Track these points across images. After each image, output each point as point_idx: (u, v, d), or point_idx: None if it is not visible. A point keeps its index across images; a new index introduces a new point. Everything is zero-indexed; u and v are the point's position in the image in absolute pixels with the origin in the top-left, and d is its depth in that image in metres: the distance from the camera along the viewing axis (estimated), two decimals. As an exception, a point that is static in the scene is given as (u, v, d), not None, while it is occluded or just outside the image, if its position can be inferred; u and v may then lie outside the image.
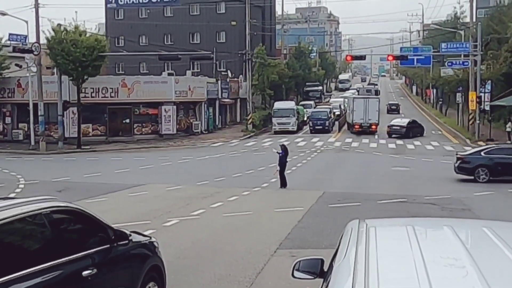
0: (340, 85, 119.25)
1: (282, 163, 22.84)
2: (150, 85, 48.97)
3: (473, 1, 49.66)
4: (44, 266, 5.70)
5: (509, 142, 42.08)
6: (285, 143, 26.83)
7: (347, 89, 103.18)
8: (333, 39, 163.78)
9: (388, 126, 50.51)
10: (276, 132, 53.07)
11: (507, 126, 44.04)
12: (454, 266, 3.32)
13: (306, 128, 56.57)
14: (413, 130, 49.58)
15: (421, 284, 2.93)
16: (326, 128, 53.83)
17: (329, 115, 56.26)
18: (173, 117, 49.74)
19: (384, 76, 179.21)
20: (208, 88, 54.23)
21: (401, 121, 52.10)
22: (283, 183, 22.61)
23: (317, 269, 4.65)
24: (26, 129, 46.30)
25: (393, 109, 74.96)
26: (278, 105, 56.17)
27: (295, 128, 53.84)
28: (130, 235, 7.46)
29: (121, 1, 66.48)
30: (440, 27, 71.96)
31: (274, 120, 54.41)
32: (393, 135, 48.76)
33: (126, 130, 48.74)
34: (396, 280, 3.16)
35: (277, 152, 23.99)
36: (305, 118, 58.85)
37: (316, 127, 53.75)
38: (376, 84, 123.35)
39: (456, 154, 26.62)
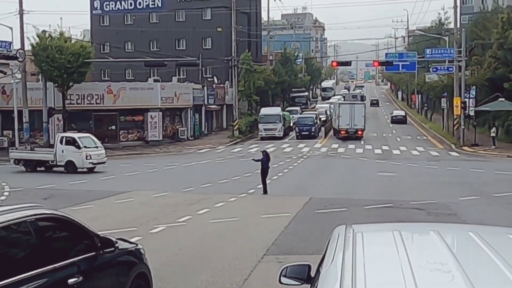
0: (323, 93, 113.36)
1: (264, 169, 22.71)
2: (136, 91, 48.86)
3: (457, 7, 50.01)
4: (29, 274, 5.65)
5: (493, 147, 42.45)
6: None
7: (330, 97, 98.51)
8: (318, 45, 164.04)
9: (392, 116, 71.30)
10: (262, 138, 53.09)
11: (492, 131, 44.32)
12: (441, 270, 3.33)
13: (293, 134, 56.66)
14: (406, 119, 71.03)
15: (408, 289, 2.94)
16: (312, 134, 53.96)
17: (315, 121, 56.39)
18: (159, 123, 49.66)
19: (370, 82, 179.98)
20: (194, 95, 54.20)
21: (399, 112, 75.57)
22: (265, 190, 22.53)
23: (304, 275, 4.63)
24: (11, 136, 45.95)
25: (374, 103, 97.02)
26: (264, 111, 56.22)
27: (281, 134, 53.90)
28: (116, 242, 7.41)
29: (106, 8, 66.24)
30: (424, 33, 72.46)
31: (260, 126, 54.43)
32: (396, 122, 68.10)
33: (112, 137, 48.55)
34: (383, 285, 3.17)
35: (252, 159, 24.23)
36: (291, 124, 58.92)
37: (302, 133, 53.87)
38: (363, 86, 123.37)
39: None
